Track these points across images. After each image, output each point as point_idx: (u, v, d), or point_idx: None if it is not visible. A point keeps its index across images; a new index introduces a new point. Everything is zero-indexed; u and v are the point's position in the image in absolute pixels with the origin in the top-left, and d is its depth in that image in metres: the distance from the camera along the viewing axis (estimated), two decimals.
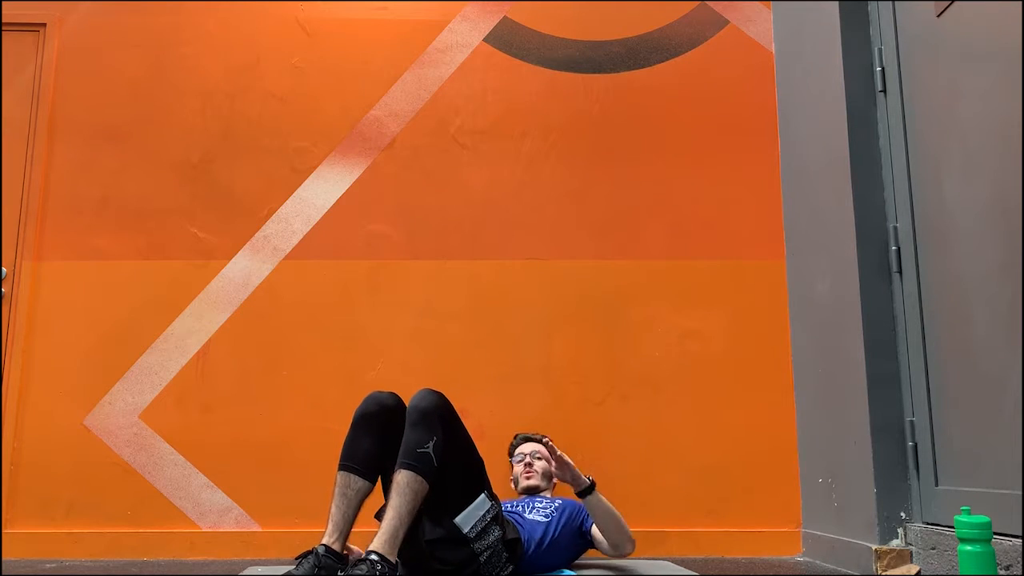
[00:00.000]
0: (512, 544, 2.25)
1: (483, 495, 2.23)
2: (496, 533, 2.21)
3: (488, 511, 2.21)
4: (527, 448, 2.77)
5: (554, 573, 2.40)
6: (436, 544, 2.16)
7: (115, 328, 3.08)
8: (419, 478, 2.06)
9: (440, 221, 3.21)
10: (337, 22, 3.36)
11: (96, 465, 2.97)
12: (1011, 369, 2.07)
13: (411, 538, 2.09)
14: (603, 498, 2.37)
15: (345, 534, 2.14)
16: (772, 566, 2.72)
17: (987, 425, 2.18)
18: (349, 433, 2.25)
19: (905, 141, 2.59)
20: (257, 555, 2.87)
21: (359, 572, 1.93)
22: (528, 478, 2.69)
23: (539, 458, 2.72)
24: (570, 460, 2.38)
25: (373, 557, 1.97)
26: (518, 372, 3.09)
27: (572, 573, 2.40)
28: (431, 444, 2.10)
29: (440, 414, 2.16)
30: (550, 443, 2.44)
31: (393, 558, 2.00)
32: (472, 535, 2.17)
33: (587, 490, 2.35)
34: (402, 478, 2.06)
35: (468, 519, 2.18)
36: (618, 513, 2.39)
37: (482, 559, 2.19)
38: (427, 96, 3.30)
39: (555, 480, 2.69)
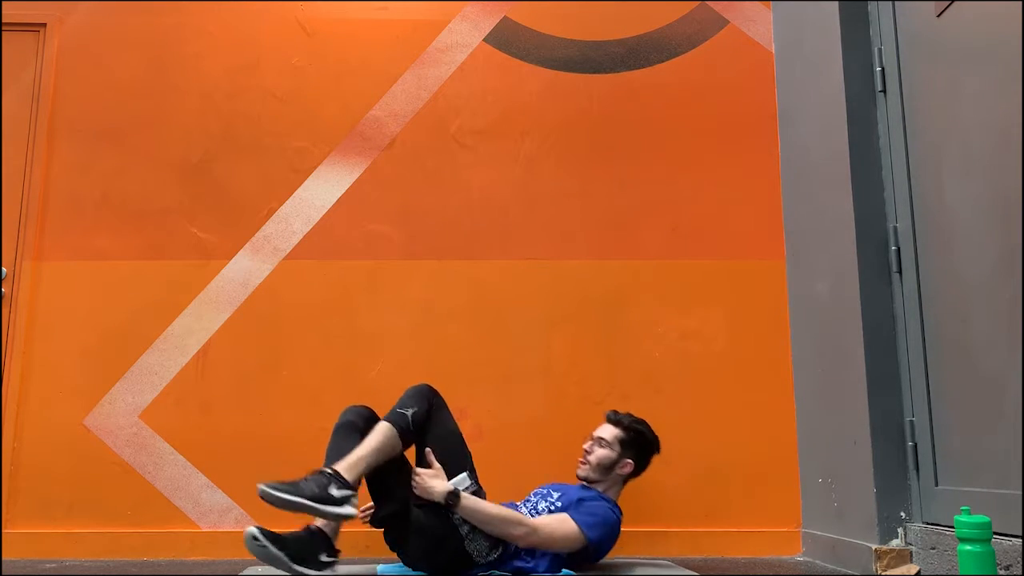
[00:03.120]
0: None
1: (465, 473, 2.33)
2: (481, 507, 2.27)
3: (468, 487, 2.29)
4: (597, 431, 2.59)
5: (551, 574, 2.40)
6: (421, 506, 2.26)
7: (115, 328, 3.08)
8: (393, 430, 2.27)
9: (440, 221, 3.21)
10: (337, 22, 3.36)
11: (96, 465, 2.97)
12: (1011, 369, 2.07)
13: (398, 501, 2.25)
14: (469, 506, 2.23)
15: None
16: (772, 566, 2.72)
17: (987, 425, 2.18)
18: (331, 439, 2.33)
19: (905, 141, 2.59)
20: None
21: (313, 480, 2.10)
22: (580, 465, 2.55)
23: (604, 445, 2.53)
24: (420, 477, 2.26)
25: (328, 471, 2.13)
26: (518, 372, 3.09)
27: (571, 573, 2.40)
28: (411, 411, 2.32)
29: (428, 396, 2.40)
30: (428, 452, 2.33)
31: (350, 478, 2.14)
32: (456, 521, 2.25)
33: (451, 503, 2.22)
34: (379, 426, 2.29)
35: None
36: (488, 513, 2.25)
37: (463, 531, 2.24)
38: (427, 96, 3.30)
39: (613, 475, 2.52)
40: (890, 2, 2.70)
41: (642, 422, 2.60)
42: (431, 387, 2.45)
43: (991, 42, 2.22)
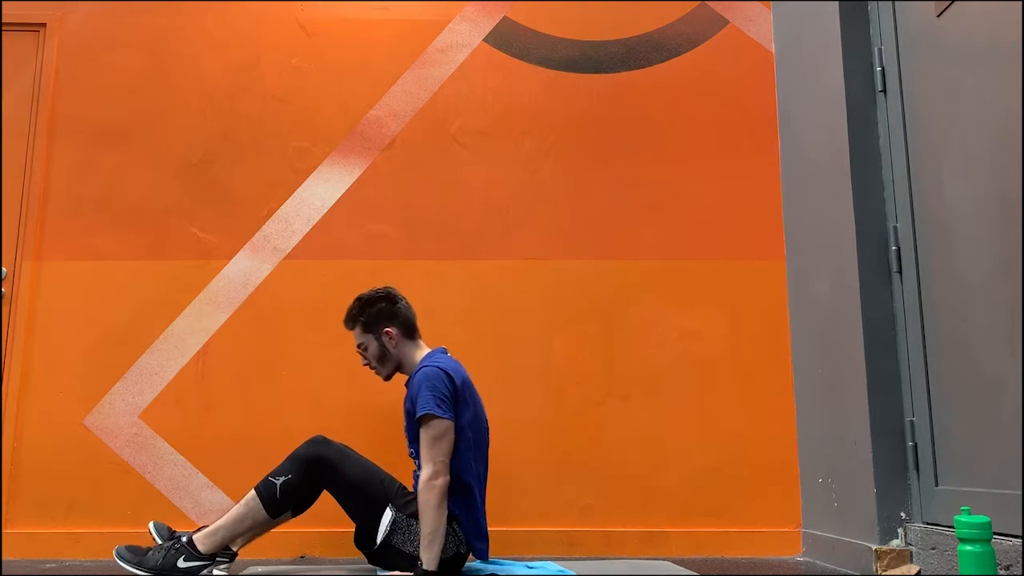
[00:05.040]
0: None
1: (388, 509, 2.30)
2: (417, 527, 2.25)
3: (397, 517, 2.29)
4: (355, 343, 2.54)
5: (542, 570, 2.40)
6: (383, 558, 2.29)
7: (115, 328, 3.08)
8: (256, 500, 2.30)
9: (440, 221, 3.21)
10: (337, 22, 3.36)
11: (96, 465, 2.97)
12: (1011, 369, 2.07)
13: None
14: (427, 548, 2.18)
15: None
16: (772, 566, 2.72)
17: (987, 425, 2.18)
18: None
19: (905, 141, 2.59)
20: (257, 555, 2.86)
21: (162, 550, 2.28)
22: (377, 375, 2.53)
23: (363, 346, 2.51)
24: None
25: (184, 539, 2.29)
26: (518, 372, 3.09)
27: (570, 572, 2.40)
28: (281, 479, 2.30)
29: (313, 465, 2.32)
30: None
31: (204, 549, 2.27)
32: (398, 544, 2.26)
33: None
34: (247, 495, 2.33)
35: (387, 534, 2.28)
36: (429, 524, 2.20)
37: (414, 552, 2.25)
38: (427, 96, 3.30)
39: (394, 351, 2.48)
40: (890, 2, 2.70)
41: (359, 298, 2.53)
42: (321, 447, 2.34)
43: (991, 42, 2.22)
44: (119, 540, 2.89)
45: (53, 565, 2.73)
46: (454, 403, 2.31)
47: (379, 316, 2.49)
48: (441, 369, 2.34)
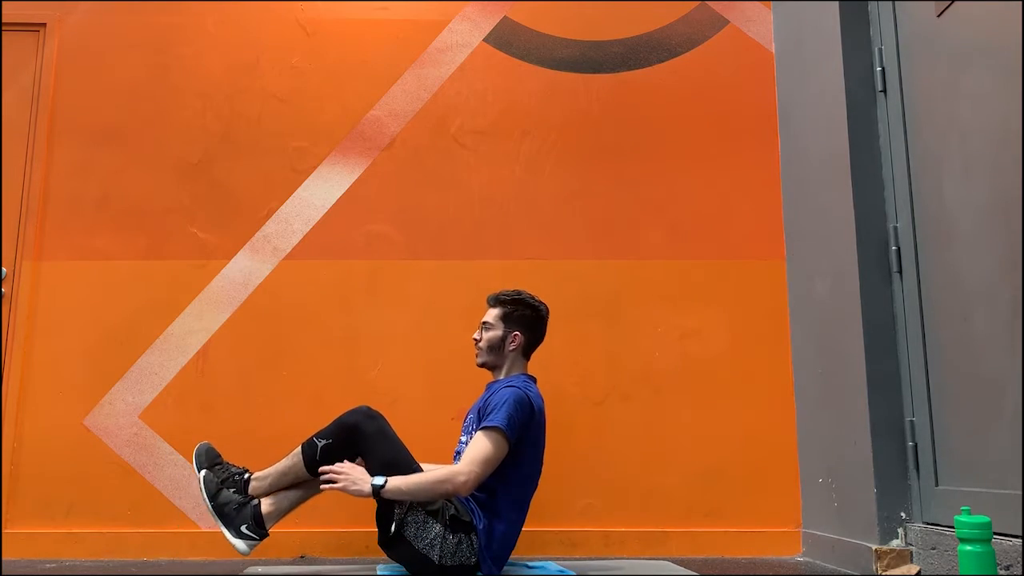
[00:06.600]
0: (463, 525, 2.25)
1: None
2: (435, 529, 2.22)
3: (413, 508, 2.23)
4: (484, 318, 2.54)
5: (542, 570, 2.40)
6: (392, 547, 2.27)
7: (115, 328, 3.08)
8: (299, 455, 2.36)
9: (440, 221, 3.21)
10: (337, 22, 3.36)
11: (96, 465, 2.97)
12: (1011, 369, 2.07)
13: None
14: (396, 488, 2.19)
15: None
16: (772, 566, 2.72)
17: (987, 425, 2.18)
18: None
19: (905, 141, 2.59)
20: (257, 555, 2.86)
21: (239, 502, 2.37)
22: (476, 355, 2.53)
23: (489, 327, 2.51)
24: (340, 475, 2.23)
25: (259, 511, 2.35)
26: None
27: (570, 572, 2.41)
28: (323, 442, 2.32)
29: (352, 435, 2.31)
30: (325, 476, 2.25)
31: (252, 492, 2.38)
32: (409, 537, 2.21)
33: (375, 493, 2.19)
34: (296, 448, 2.39)
35: (401, 525, 2.22)
36: (417, 484, 2.20)
37: (435, 558, 2.20)
38: (427, 96, 3.30)
39: (505, 352, 2.48)
40: (890, 2, 2.70)
41: (520, 293, 2.57)
42: (363, 417, 2.32)
43: (991, 42, 2.22)
44: (119, 540, 2.91)
45: (53, 565, 2.73)
46: (523, 431, 2.31)
47: (521, 319, 2.52)
48: (530, 399, 2.35)
